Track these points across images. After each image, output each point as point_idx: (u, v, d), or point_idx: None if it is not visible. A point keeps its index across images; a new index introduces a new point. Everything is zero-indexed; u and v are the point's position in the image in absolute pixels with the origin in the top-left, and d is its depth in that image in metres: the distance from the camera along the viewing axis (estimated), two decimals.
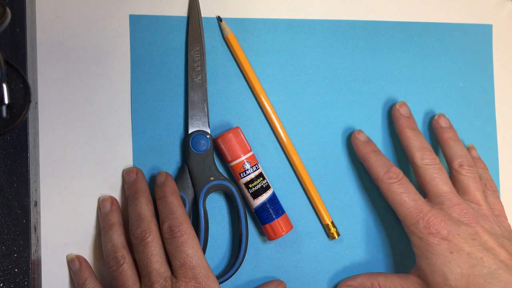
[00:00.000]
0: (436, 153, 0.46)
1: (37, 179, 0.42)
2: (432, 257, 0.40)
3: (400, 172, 0.44)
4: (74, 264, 0.42)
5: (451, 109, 0.50)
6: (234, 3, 0.47)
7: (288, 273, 0.46)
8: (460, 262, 0.39)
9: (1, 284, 0.39)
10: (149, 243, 0.39)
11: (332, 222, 0.46)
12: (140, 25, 0.45)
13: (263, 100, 0.46)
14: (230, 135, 0.43)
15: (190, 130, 0.44)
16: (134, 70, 0.45)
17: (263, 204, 0.44)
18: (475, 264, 0.39)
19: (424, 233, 0.41)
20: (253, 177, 0.43)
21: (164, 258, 0.40)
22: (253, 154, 0.44)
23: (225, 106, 0.46)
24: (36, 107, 0.43)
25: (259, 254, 0.46)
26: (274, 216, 0.44)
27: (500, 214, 0.45)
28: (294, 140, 0.47)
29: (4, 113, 0.32)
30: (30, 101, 0.33)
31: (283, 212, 0.44)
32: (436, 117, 0.48)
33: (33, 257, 0.40)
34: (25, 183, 0.40)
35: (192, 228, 0.40)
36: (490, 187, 0.46)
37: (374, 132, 0.48)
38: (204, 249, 0.43)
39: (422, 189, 0.44)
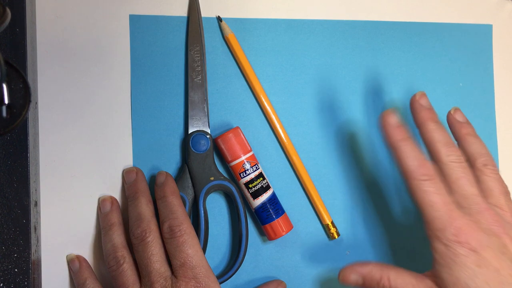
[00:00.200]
0: None
1: (37, 179, 0.42)
2: (456, 268, 0.37)
3: (433, 168, 0.39)
4: (74, 264, 0.42)
5: None
6: (234, 3, 0.47)
7: (288, 273, 0.46)
8: (488, 278, 0.36)
9: (1, 284, 0.39)
10: (149, 243, 0.39)
11: (332, 222, 0.46)
12: (140, 25, 0.45)
13: (263, 100, 0.46)
14: (230, 135, 0.43)
15: (190, 130, 0.44)
16: (134, 70, 0.45)
17: (263, 204, 0.44)
18: (503, 281, 0.36)
19: (451, 241, 0.37)
20: (253, 177, 0.43)
21: (164, 258, 0.40)
22: (253, 154, 0.44)
23: (225, 106, 0.46)
24: (36, 107, 0.43)
25: (259, 254, 0.46)
26: (274, 216, 0.44)
27: None
28: (294, 140, 0.47)
29: (4, 113, 0.32)
30: (30, 101, 0.33)
31: (283, 212, 0.44)
32: (452, 111, 0.44)
33: (33, 257, 0.40)
34: (25, 183, 0.40)
35: (192, 228, 0.40)
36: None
37: (374, 132, 0.48)
38: (204, 249, 0.43)
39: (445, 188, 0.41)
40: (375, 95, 0.48)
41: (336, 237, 0.46)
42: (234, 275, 0.44)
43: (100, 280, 0.42)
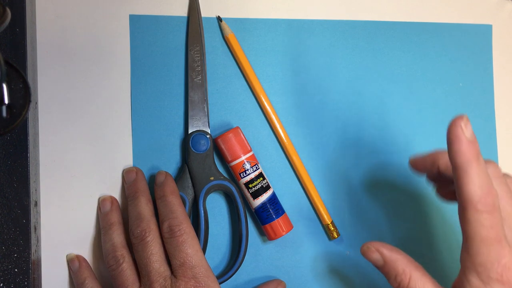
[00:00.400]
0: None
1: (37, 179, 0.42)
2: None
3: (497, 196, 0.34)
4: (74, 264, 0.42)
5: (451, 109, 0.50)
6: (234, 3, 0.47)
7: (288, 273, 0.46)
8: None
9: (1, 284, 0.39)
10: (149, 242, 0.39)
11: (332, 222, 0.46)
12: (140, 25, 0.45)
13: (263, 100, 0.46)
14: (230, 135, 0.43)
15: (190, 130, 0.44)
16: (134, 70, 0.45)
17: (263, 204, 0.44)
18: None
19: (493, 279, 0.34)
20: (253, 177, 0.43)
21: (164, 257, 0.40)
22: (253, 154, 0.44)
23: (225, 106, 0.46)
24: (36, 107, 0.43)
25: (259, 254, 0.46)
26: (274, 216, 0.44)
27: None
28: (294, 140, 0.47)
29: (4, 113, 0.32)
30: (30, 101, 0.33)
31: (283, 212, 0.44)
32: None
33: (33, 257, 0.40)
34: (25, 183, 0.40)
35: (192, 227, 0.40)
36: None
37: (374, 132, 0.48)
38: (204, 249, 0.43)
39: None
40: (375, 95, 0.48)
41: (336, 237, 0.46)
42: (234, 275, 0.44)
43: (100, 280, 0.42)
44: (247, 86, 0.46)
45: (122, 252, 0.40)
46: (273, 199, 0.44)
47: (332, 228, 0.46)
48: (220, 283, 0.43)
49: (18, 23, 0.40)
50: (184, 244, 0.39)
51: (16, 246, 0.39)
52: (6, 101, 0.32)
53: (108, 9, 0.45)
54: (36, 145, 0.42)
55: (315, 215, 0.47)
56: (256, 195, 0.43)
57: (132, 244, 0.40)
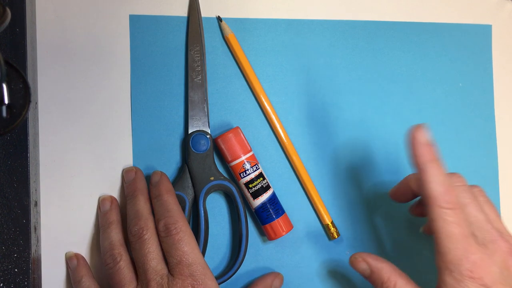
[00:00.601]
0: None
1: (37, 179, 0.42)
2: None
3: (458, 195, 0.37)
4: (72, 262, 0.42)
5: (451, 109, 0.50)
6: (234, 3, 0.47)
7: (288, 273, 0.46)
8: None
9: (1, 284, 0.39)
10: (146, 240, 0.39)
11: (332, 222, 0.46)
12: (140, 25, 0.45)
13: (263, 100, 0.46)
14: (230, 135, 0.43)
15: (190, 130, 0.44)
16: (134, 70, 0.45)
17: (263, 204, 0.44)
18: None
19: (465, 276, 0.35)
20: (253, 177, 0.43)
21: (161, 255, 0.39)
22: (253, 154, 0.44)
23: (225, 106, 0.46)
24: (36, 107, 0.43)
25: (259, 254, 0.46)
26: (274, 216, 0.44)
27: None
28: (294, 140, 0.47)
29: (4, 113, 0.32)
30: (30, 101, 0.33)
31: (283, 212, 0.44)
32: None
33: (33, 257, 0.40)
34: (25, 183, 0.40)
35: (188, 225, 0.40)
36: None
37: (374, 132, 0.48)
38: (204, 249, 0.43)
39: None
40: (375, 95, 0.48)
41: (336, 237, 0.46)
42: (234, 275, 0.44)
43: (99, 279, 0.42)
44: (247, 86, 0.46)
45: (120, 250, 0.40)
46: (273, 199, 0.44)
47: (332, 228, 0.46)
48: (220, 283, 0.43)
49: (18, 23, 0.40)
50: (181, 242, 0.39)
51: (16, 246, 0.39)
52: (6, 101, 0.32)
53: (108, 9, 0.45)
54: (36, 145, 0.42)
55: (315, 215, 0.47)
56: (256, 195, 0.43)
57: (130, 242, 0.40)
